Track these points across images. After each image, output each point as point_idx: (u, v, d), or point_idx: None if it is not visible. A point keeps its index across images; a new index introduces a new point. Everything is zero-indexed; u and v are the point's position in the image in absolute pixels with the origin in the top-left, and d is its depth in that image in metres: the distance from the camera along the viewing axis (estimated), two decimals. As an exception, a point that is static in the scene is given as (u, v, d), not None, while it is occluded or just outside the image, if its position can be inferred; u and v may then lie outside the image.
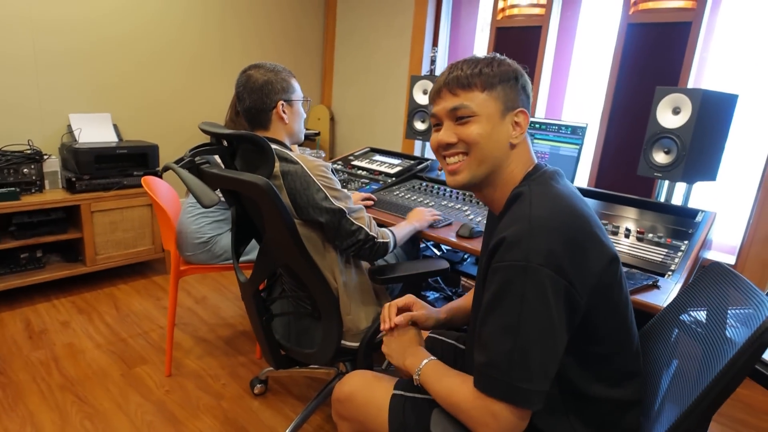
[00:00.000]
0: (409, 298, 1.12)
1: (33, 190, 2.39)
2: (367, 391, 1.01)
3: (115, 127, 2.77)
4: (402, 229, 1.53)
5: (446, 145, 0.90)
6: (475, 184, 0.91)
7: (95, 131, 2.66)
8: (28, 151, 2.38)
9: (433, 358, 0.96)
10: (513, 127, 0.88)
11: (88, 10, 2.62)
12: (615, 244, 1.56)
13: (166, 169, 1.21)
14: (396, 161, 2.40)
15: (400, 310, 1.10)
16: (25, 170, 2.33)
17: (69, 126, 2.62)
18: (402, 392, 0.97)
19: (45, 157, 2.45)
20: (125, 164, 2.60)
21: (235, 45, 3.30)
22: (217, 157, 1.37)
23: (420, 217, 1.66)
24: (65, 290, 2.58)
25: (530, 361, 0.75)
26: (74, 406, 1.72)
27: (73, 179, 2.43)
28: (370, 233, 1.34)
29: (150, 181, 1.95)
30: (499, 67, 0.87)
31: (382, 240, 1.37)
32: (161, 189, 2.00)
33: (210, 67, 3.20)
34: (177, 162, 1.20)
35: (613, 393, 0.85)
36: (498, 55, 0.91)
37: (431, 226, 1.67)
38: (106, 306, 2.45)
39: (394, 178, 2.23)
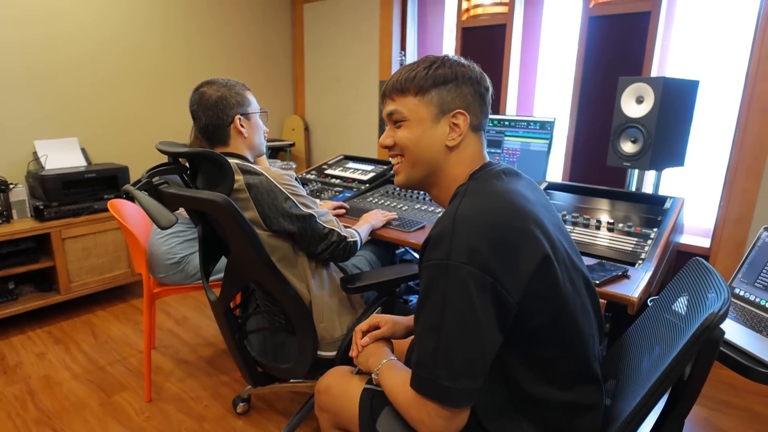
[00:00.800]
0: (373, 319, 1.11)
1: (0, 221, 2.33)
2: (342, 384, 1.06)
3: (83, 150, 2.72)
4: (362, 229, 1.57)
5: (387, 147, 0.94)
6: (414, 184, 0.93)
7: (62, 156, 2.61)
8: (-7, 182, 2.32)
9: (392, 358, 0.97)
10: (451, 129, 0.88)
11: (44, 31, 2.57)
12: (586, 237, 1.57)
13: (125, 192, 1.18)
14: (369, 167, 2.39)
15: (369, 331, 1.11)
16: (-10, 201, 2.28)
17: (35, 153, 2.56)
18: (372, 387, 1.00)
19: (11, 186, 2.39)
20: (95, 188, 2.56)
21: (200, 61, 3.26)
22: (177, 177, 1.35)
23: (375, 217, 1.71)
24: (41, 321, 2.51)
25: (454, 359, 0.74)
26: (51, 441, 1.67)
27: (41, 207, 2.38)
28: (342, 233, 1.37)
29: (118, 205, 1.91)
30: (436, 70, 0.87)
31: (352, 239, 1.40)
32: (130, 211, 1.96)
33: (176, 84, 3.16)
34: (134, 184, 1.17)
35: (564, 396, 0.83)
36: (449, 56, 0.90)
37: (386, 225, 1.74)
38: (84, 334, 2.40)
39: (367, 185, 2.22)
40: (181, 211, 1.79)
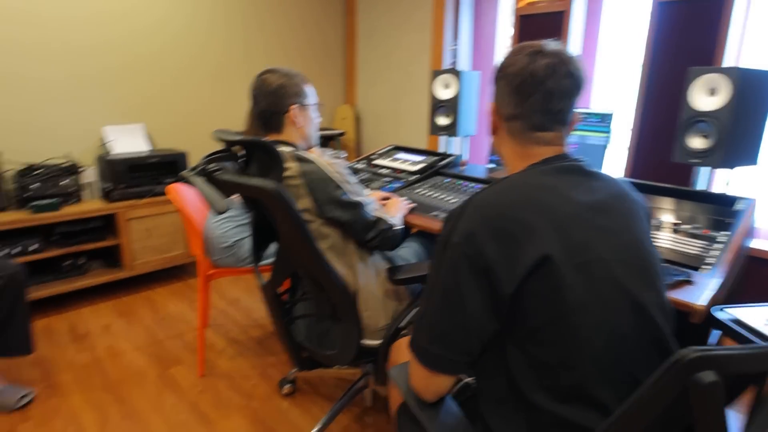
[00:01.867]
0: None
1: (72, 201, 2.51)
2: (404, 351, 1.14)
3: (149, 137, 2.87)
4: (397, 218, 1.58)
5: None
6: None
7: (128, 141, 2.77)
8: (66, 164, 2.50)
9: None
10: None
11: (118, 31, 2.73)
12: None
13: (183, 178, 1.24)
14: (419, 158, 2.37)
15: None
16: (64, 182, 2.45)
17: (104, 138, 2.73)
18: None
19: (82, 169, 2.56)
20: (156, 172, 2.69)
21: (258, 53, 3.35)
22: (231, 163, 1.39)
23: (400, 207, 1.71)
24: (106, 295, 2.70)
25: (433, 326, 0.82)
26: (113, 406, 1.80)
27: (109, 189, 2.53)
28: (389, 221, 1.39)
29: (176, 189, 2.01)
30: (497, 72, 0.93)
31: (397, 228, 1.43)
32: (188, 195, 2.05)
33: (235, 75, 3.26)
34: (191, 170, 1.22)
35: (559, 409, 0.77)
36: (522, 45, 0.90)
37: (434, 216, 1.72)
38: (144, 309, 2.55)
39: (417, 176, 2.21)
40: (235, 196, 1.86)
